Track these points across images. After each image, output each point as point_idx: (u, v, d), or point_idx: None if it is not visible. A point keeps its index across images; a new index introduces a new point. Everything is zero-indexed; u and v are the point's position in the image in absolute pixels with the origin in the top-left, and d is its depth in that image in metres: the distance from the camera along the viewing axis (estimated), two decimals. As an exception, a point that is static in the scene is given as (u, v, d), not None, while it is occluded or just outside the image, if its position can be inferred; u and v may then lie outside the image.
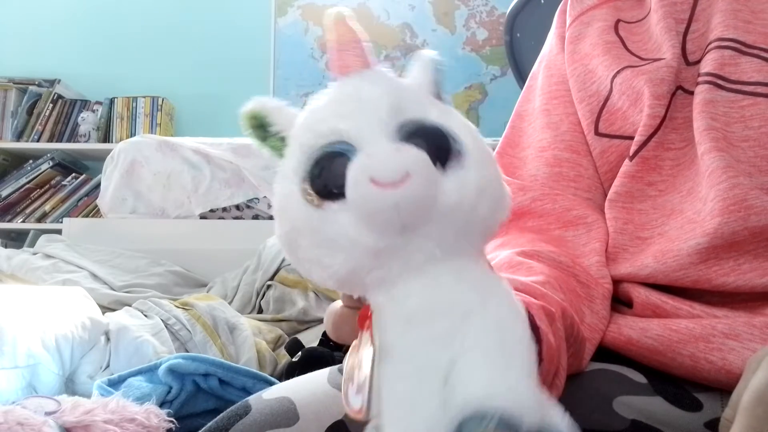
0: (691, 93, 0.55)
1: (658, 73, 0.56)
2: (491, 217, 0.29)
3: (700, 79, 0.54)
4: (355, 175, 0.26)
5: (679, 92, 0.56)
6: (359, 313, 0.30)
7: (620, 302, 0.56)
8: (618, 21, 0.63)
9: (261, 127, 0.31)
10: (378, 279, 0.28)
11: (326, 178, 0.28)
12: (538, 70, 0.68)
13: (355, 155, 0.27)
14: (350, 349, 0.30)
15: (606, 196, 0.58)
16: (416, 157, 0.26)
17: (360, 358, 0.28)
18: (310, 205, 0.28)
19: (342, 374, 0.32)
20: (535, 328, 0.38)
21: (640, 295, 0.52)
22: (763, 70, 0.52)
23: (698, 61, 0.56)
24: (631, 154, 0.56)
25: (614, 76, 0.59)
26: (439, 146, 0.28)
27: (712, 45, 0.54)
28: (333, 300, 1.67)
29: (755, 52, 0.53)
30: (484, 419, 0.24)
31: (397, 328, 0.27)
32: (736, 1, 0.55)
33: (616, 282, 0.55)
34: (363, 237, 0.27)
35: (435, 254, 0.27)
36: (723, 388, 0.48)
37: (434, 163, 0.27)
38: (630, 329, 0.50)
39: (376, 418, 0.27)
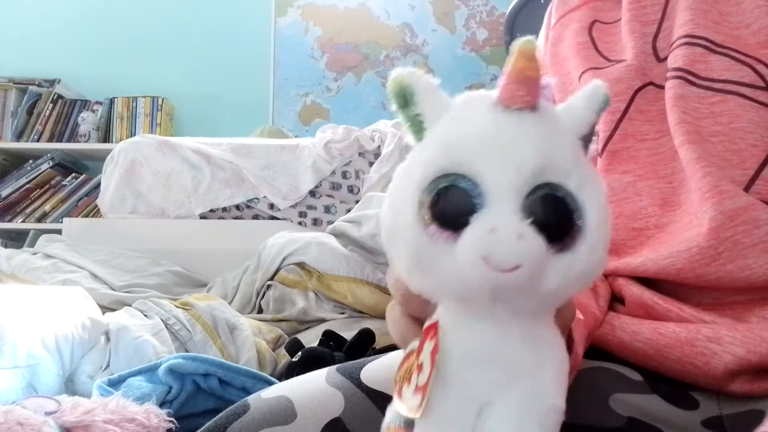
0: (662, 88, 0.56)
1: (616, 73, 0.58)
2: (579, 292, 0.30)
3: (670, 74, 0.55)
4: (471, 244, 0.27)
5: (649, 87, 0.57)
6: (426, 326, 0.31)
7: (614, 298, 0.56)
8: (594, 21, 0.64)
9: (403, 98, 0.30)
10: (456, 309, 0.30)
11: (444, 207, 0.28)
12: None
13: (479, 205, 0.27)
14: (406, 352, 0.32)
15: None
16: (534, 250, 0.26)
17: (421, 362, 0.30)
18: (420, 221, 0.28)
19: (389, 376, 0.34)
20: (570, 341, 0.41)
21: (632, 294, 0.52)
22: (732, 68, 0.53)
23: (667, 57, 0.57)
24: (599, 150, 0.58)
25: (579, 78, 0.60)
26: (561, 224, 0.28)
27: (681, 41, 0.55)
28: (334, 301, 1.68)
29: (724, 51, 0.54)
30: None
31: (455, 355, 0.29)
32: (704, 2, 0.56)
33: (612, 277, 0.55)
34: (455, 285, 0.28)
35: (515, 315, 0.29)
36: (711, 389, 0.48)
37: (549, 242, 0.27)
38: (622, 332, 0.51)
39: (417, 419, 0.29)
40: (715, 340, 0.46)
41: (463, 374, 0.29)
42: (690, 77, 0.54)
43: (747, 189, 0.49)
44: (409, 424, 0.29)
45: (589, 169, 0.30)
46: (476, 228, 0.27)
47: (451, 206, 0.28)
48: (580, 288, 0.29)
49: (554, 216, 0.28)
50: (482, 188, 0.27)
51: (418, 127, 0.30)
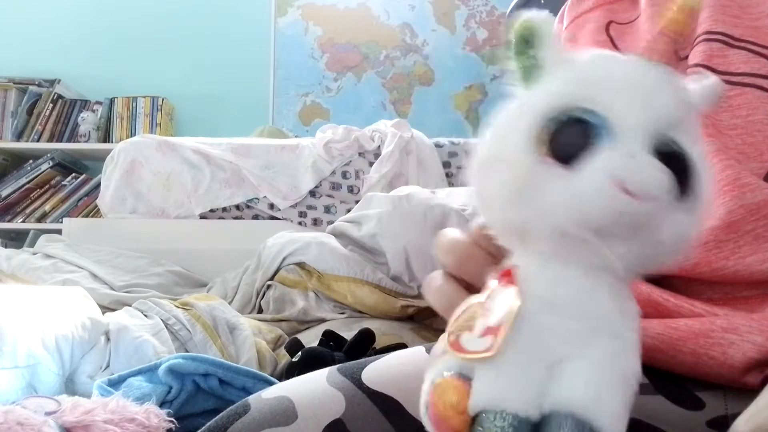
0: None
1: None
2: (668, 262, 0.29)
3: (689, 70, 0.55)
4: (605, 166, 0.25)
5: None
6: (502, 270, 0.29)
7: None
8: (610, 22, 0.64)
9: (526, 42, 0.29)
10: (544, 253, 0.28)
11: (566, 140, 0.26)
12: None
13: (606, 139, 0.26)
14: (466, 304, 0.29)
15: None
16: (668, 184, 0.25)
17: (491, 308, 0.28)
18: (532, 152, 0.26)
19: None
20: None
21: (641, 292, 0.52)
22: (750, 61, 0.53)
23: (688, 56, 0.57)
24: None
25: None
26: (682, 182, 0.27)
27: (701, 38, 0.55)
28: (334, 301, 1.68)
29: (743, 44, 0.54)
30: (576, 424, 0.25)
31: (536, 300, 0.27)
32: None
33: None
34: (564, 218, 0.26)
35: (608, 267, 0.27)
36: (725, 383, 0.48)
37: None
38: None
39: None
40: (732, 330, 0.45)
41: (541, 322, 0.27)
42: (707, 72, 0.54)
43: (765, 181, 0.49)
44: (463, 376, 0.27)
45: (704, 149, 0.29)
46: (611, 152, 0.25)
47: (572, 137, 0.26)
48: (676, 254, 0.28)
49: (678, 171, 0.26)
50: (612, 124, 0.26)
51: (531, 73, 0.29)
